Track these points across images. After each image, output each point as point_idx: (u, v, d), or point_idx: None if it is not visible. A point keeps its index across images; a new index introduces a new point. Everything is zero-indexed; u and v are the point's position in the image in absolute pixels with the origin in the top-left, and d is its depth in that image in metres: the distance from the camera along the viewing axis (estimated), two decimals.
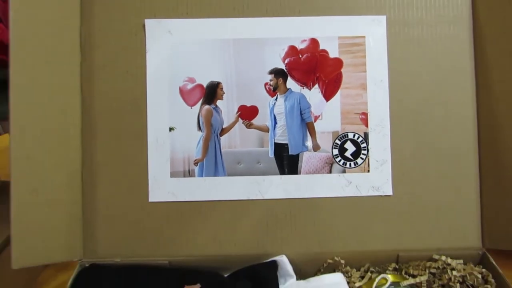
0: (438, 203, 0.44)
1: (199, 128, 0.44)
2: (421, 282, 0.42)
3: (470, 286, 0.42)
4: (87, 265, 0.43)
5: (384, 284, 0.41)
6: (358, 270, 0.44)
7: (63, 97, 0.42)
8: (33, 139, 0.39)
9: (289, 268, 0.43)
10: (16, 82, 0.36)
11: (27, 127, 0.38)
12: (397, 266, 0.44)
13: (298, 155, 0.44)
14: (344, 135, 0.44)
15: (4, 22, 0.50)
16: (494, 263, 0.43)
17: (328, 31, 0.44)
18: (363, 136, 0.44)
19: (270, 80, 0.44)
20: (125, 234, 0.43)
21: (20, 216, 0.37)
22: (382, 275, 0.42)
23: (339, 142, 0.44)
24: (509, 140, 0.42)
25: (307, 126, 0.44)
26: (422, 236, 0.44)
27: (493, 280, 0.42)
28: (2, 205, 0.39)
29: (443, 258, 0.43)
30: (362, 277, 0.44)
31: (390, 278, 0.42)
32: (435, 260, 0.43)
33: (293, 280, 0.43)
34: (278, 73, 0.44)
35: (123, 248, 0.43)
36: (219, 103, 0.44)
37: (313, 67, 0.44)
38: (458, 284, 0.42)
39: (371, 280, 0.42)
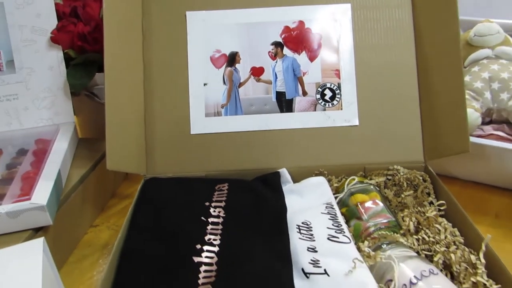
0: (391, 130, 0.62)
1: (224, 83, 0.64)
2: (378, 182, 0.61)
3: (413, 185, 0.61)
4: (149, 177, 0.62)
5: (352, 182, 0.60)
6: (337, 177, 0.63)
7: (132, 65, 0.62)
8: (117, 94, 0.58)
9: (288, 176, 0.62)
10: (108, 61, 0.56)
11: (114, 88, 0.57)
12: (363, 174, 0.63)
13: (292, 99, 0.64)
14: (324, 84, 0.63)
15: (82, 18, 0.71)
16: (431, 169, 0.61)
17: (311, 15, 0.64)
18: (337, 85, 0.63)
19: (272, 49, 0.64)
20: (174, 156, 0.63)
21: (111, 141, 0.56)
22: (352, 177, 0.61)
23: (320, 90, 0.63)
24: (437, 79, 0.60)
25: (298, 79, 0.64)
26: (381, 154, 0.62)
27: (429, 179, 0.60)
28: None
29: (396, 166, 0.62)
30: (339, 181, 0.62)
31: (357, 178, 0.60)
32: (390, 169, 0.62)
33: (290, 184, 0.61)
34: (277, 44, 0.64)
35: (173, 166, 0.63)
36: (237, 66, 0.64)
37: (301, 40, 0.64)
38: (405, 182, 0.60)
39: (344, 180, 0.61)
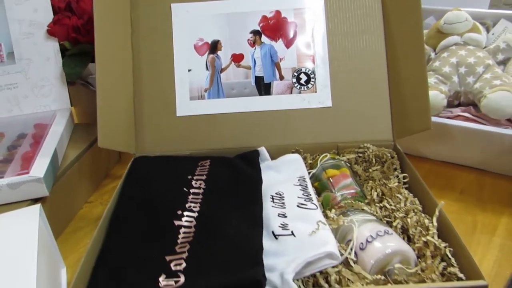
0: (362, 111, 0.67)
1: (207, 68, 0.69)
2: (349, 159, 0.66)
3: (382, 162, 0.65)
4: (138, 155, 0.67)
5: (324, 159, 0.65)
6: (312, 155, 0.68)
7: (121, 53, 0.68)
8: (107, 80, 0.63)
9: (266, 154, 0.67)
10: (99, 49, 0.61)
11: (105, 74, 0.61)
12: (336, 152, 0.68)
13: (270, 83, 0.68)
14: (299, 69, 0.68)
15: (76, 12, 0.76)
16: (399, 147, 0.66)
17: (287, 5, 0.69)
18: (312, 70, 0.68)
19: (251, 37, 0.69)
20: (162, 136, 0.68)
21: (102, 121, 0.61)
22: (324, 154, 0.66)
23: (296, 74, 0.68)
24: (403, 64, 0.65)
25: (275, 65, 0.69)
26: (353, 133, 0.67)
27: (396, 156, 0.65)
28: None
29: (366, 144, 0.66)
30: (313, 159, 0.67)
31: (329, 155, 0.65)
32: (361, 147, 0.67)
33: (268, 161, 0.66)
34: (255, 33, 0.69)
35: (161, 146, 0.68)
36: (219, 53, 0.69)
37: (278, 28, 0.69)
38: (373, 159, 0.65)
39: (317, 157, 0.66)
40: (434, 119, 0.70)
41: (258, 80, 0.68)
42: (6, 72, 0.76)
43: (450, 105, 0.75)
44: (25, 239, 0.46)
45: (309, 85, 0.68)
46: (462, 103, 0.75)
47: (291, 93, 0.68)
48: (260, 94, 0.68)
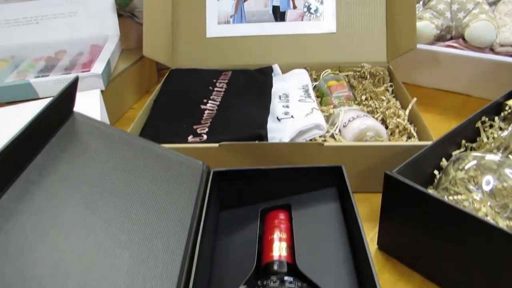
0: (362, 36, 0.80)
1: None
2: (348, 75, 0.79)
3: (375, 77, 0.78)
4: (174, 68, 0.82)
5: (326, 73, 0.78)
6: (317, 72, 0.81)
7: None
8: (152, 3, 0.78)
9: (279, 70, 0.80)
10: None
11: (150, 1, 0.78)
12: (338, 70, 0.81)
13: (285, 11, 0.82)
14: (310, 1, 0.81)
15: None
16: (391, 67, 0.78)
17: None
18: (321, 1, 0.81)
19: None
20: (193, 54, 0.83)
21: (147, 36, 0.77)
22: (326, 69, 0.79)
23: (307, 4, 0.81)
24: None
25: None
26: (353, 55, 0.80)
27: (387, 72, 0.77)
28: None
29: (363, 64, 0.79)
30: (318, 75, 0.80)
31: (330, 71, 0.78)
32: (359, 66, 0.79)
33: (280, 75, 0.80)
34: None
35: (192, 61, 0.83)
36: None
37: None
38: (368, 74, 0.78)
39: (320, 73, 0.79)
40: (425, 47, 0.82)
41: (275, 9, 0.81)
42: (68, 2, 0.92)
43: (443, 39, 0.86)
44: (90, 103, 0.62)
45: (318, 14, 0.80)
46: (454, 37, 0.86)
47: (302, 20, 0.81)
48: (276, 20, 0.81)
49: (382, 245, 0.49)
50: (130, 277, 0.30)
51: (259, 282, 0.34)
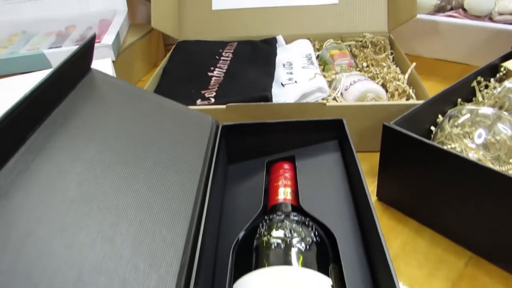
0: (364, 7, 0.82)
1: None
2: (350, 45, 0.81)
3: (377, 47, 0.80)
4: (181, 40, 0.85)
5: (328, 42, 0.80)
6: (320, 42, 0.83)
7: None
8: None
9: (283, 41, 0.83)
10: None
11: None
12: (340, 40, 0.83)
13: None
14: None
15: None
16: (392, 36, 0.80)
17: None
18: None
19: None
20: (200, 26, 0.85)
21: (156, 9, 0.79)
22: (329, 39, 0.81)
23: None
24: None
25: None
26: (355, 25, 0.82)
27: (388, 42, 0.80)
28: None
29: (364, 34, 0.81)
30: (320, 45, 0.83)
31: (333, 40, 0.81)
32: (361, 36, 0.82)
33: (284, 46, 0.83)
34: None
35: (199, 33, 0.85)
36: None
37: None
38: (369, 44, 0.80)
39: (323, 43, 0.82)
40: (425, 16, 0.84)
41: None
42: None
43: (443, 10, 0.87)
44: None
45: None
46: (454, 7, 0.87)
47: None
48: None
49: (381, 196, 0.52)
50: (141, 224, 0.32)
51: (265, 217, 0.37)
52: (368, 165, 0.57)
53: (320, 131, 0.49)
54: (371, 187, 0.54)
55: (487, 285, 0.41)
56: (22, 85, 0.71)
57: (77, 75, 0.42)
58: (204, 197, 0.38)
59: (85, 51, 0.42)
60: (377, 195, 0.52)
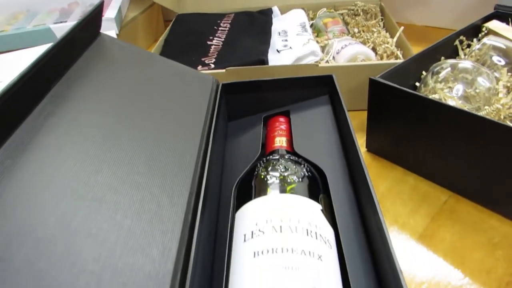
0: None
1: None
2: (342, 13, 0.84)
3: (368, 15, 0.83)
4: (180, 13, 0.88)
5: (321, 11, 0.84)
6: (314, 12, 0.87)
7: None
8: None
9: (278, 12, 0.86)
10: None
11: None
12: (333, 9, 0.86)
13: None
14: None
15: None
16: (383, 4, 0.83)
17: None
18: None
19: None
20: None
21: None
22: (322, 8, 0.84)
23: None
24: None
25: None
26: None
27: (379, 9, 0.83)
28: None
29: (356, 2, 0.84)
30: (314, 14, 0.86)
31: (326, 9, 0.84)
32: (353, 5, 0.85)
33: (279, 16, 0.86)
34: None
35: (197, 7, 0.88)
36: None
37: None
38: (361, 12, 0.83)
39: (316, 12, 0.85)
40: None
41: None
42: None
43: None
44: None
45: None
46: None
47: None
48: None
49: (370, 147, 0.56)
50: (150, 170, 0.35)
51: (263, 158, 0.42)
52: (358, 122, 0.61)
53: (312, 87, 0.53)
54: (360, 141, 0.58)
55: (464, 217, 0.45)
56: (32, 58, 0.75)
57: (85, 41, 0.46)
58: (207, 147, 0.43)
59: (95, 16, 0.46)
60: (366, 147, 0.57)
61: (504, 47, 0.58)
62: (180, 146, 0.40)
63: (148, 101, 0.44)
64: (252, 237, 0.32)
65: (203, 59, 0.69)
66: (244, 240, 0.32)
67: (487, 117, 0.41)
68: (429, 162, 0.50)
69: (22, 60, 0.69)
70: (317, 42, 0.73)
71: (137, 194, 0.32)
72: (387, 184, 0.51)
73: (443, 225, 0.44)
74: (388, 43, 0.69)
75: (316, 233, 0.32)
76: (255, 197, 0.37)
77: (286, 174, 0.38)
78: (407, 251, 0.42)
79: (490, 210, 0.46)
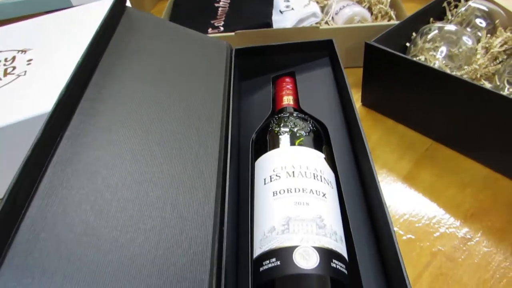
0: None
1: None
2: None
3: None
4: None
5: None
6: None
7: None
8: None
9: None
10: None
11: None
12: None
13: None
14: None
15: None
16: None
17: None
18: None
19: None
20: None
21: None
22: None
23: None
24: None
25: None
26: None
27: None
28: None
29: None
30: None
31: None
32: None
33: None
34: None
35: None
36: None
37: None
38: None
39: None
40: None
41: None
42: None
43: None
44: None
45: None
46: None
47: None
48: None
49: (364, 102, 0.64)
50: (186, 127, 0.43)
51: (275, 116, 0.50)
52: (355, 78, 0.69)
53: (314, 50, 0.60)
54: (356, 96, 0.66)
55: (442, 162, 0.54)
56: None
57: (117, 18, 0.52)
58: (228, 106, 0.50)
59: None
60: (361, 101, 0.65)
61: (487, 9, 0.64)
62: (208, 106, 0.48)
63: (177, 68, 0.51)
64: (271, 180, 0.41)
65: (212, 21, 0.74)
66: (265, 183, 0.41)
67: (462, 77, 0.49)
68: (415, 114, 0.58)
69: (45, 26, 0.75)
70: (317, 2, 0.78)
71: (178, 148, 0.40)
72: (379, 134, 0.59)
73: (424, 169, 0.54)
74: (382, 3, 0.75)
75: (321, 176, 0.41)
76: (270, 149, 0.45)
77: (295, 129, 0.46)
78: (393, 190, 0.52)
79: (464, 155, 0.55)
